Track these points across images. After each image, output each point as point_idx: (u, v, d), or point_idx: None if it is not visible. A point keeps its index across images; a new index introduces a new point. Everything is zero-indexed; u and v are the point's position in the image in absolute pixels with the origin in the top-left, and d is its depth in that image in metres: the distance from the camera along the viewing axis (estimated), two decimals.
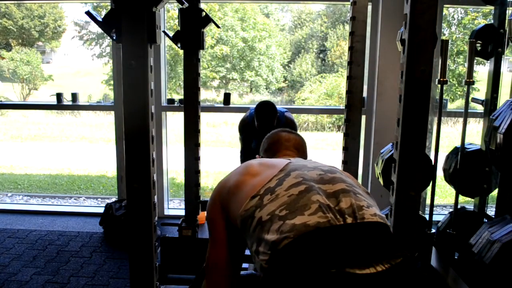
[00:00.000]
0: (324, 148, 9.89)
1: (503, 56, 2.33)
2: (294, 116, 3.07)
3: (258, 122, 2.82)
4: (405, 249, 0.91)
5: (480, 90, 7.87)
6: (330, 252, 0.86)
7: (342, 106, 2.91)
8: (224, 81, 14.53)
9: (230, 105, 3.65)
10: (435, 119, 2.74)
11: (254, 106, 2.92)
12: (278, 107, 2.96)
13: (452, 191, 3.25)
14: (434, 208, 2.61)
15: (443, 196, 5.15)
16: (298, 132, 1.75)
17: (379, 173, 2.43)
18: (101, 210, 3.36)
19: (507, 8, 2.30)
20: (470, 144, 2.35)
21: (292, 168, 1.10)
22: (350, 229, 0.91)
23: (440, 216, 2.96)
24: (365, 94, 3.32)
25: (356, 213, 0.93)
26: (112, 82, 4.32)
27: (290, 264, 0.87)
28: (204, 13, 2.35)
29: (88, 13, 1.50)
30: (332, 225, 0.89)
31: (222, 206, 1.16)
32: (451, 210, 2.57)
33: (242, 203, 1.06)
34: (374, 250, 0.87)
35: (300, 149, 1.42)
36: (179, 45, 2.40)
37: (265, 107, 2.85)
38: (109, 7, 1.45)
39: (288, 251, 0.88)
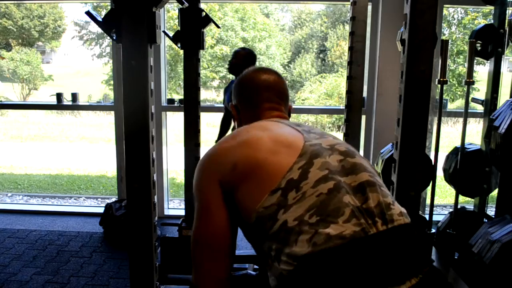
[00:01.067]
0: None
1: (503, 56, 2.33)
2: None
3: (232, 59, 3.05)
4: (427, 253, 0.89)
5: (480, 90, 7.88)
6: (365, 268, 0.81)
7: (342, 106, 2.90)
8: (224, 81, 14.52)
9: None
10: (435, 119, 2.73)
11: None
12: None
13: (452, 191, 3.25)
14: (434, 208, 2.61)
15: (443, 196, 5.15)
16: None
17: (379, 173, 2.43)
18: (101, 210, 3.36)
19: (507, 8, 2.30)
20: (470, 144, 2.35)
21: (312, 152, 0.96)
22: (383, 238, 0.86)
23: (440, 216, 2.97)
24: (365, 94, 3.32)
25: (386, 214, 0.88)
26: (112, 82, 4.32)
27: (320, 280, 0.81)
28: (204, 13, 2.35)
29: (88, 13, 1.50)
30: (367, 235, 0.84)
31: (221, 180, 0.96)
32: (451, 210, 2.57)
33: (258, 196, 0.90)
34: (406, 261, 0.84)
35: (285, 99, 1.20)
36: (179, 45, 2.40)
37: (244, 47, 3.22)
38: (109, 7, 1.45)
39: (318, 264, 0.81)
